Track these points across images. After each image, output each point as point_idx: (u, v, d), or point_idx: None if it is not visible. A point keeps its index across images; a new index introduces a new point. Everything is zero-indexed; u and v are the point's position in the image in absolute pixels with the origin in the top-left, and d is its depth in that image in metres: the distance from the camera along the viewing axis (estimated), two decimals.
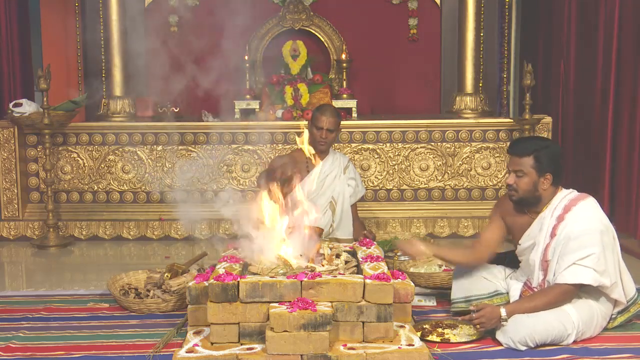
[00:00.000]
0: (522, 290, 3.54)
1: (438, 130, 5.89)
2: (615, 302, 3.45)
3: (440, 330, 3.44)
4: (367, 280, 3.16)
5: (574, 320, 3.28)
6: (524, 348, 3.21)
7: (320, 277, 3.19)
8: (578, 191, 3.53)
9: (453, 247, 3.88)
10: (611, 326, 3.49)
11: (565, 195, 3.46)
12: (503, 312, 3.25)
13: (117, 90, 6.10)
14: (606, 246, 3.32)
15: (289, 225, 3.57)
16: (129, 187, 5.91)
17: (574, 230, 3.31)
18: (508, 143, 5.83)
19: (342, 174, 4.67)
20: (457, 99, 6.19)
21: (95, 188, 5.91)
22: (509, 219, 3.63)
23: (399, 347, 3.08)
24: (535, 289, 3.44)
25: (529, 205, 3.48)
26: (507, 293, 3.64)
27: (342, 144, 5.85)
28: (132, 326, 3.64)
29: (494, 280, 3.70)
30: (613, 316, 3.49)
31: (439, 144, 5.89)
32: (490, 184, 5.91)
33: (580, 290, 3.35)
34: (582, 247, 3.27)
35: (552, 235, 3.38)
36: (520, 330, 3.21)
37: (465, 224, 5.76)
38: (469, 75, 6.15)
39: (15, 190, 5.80)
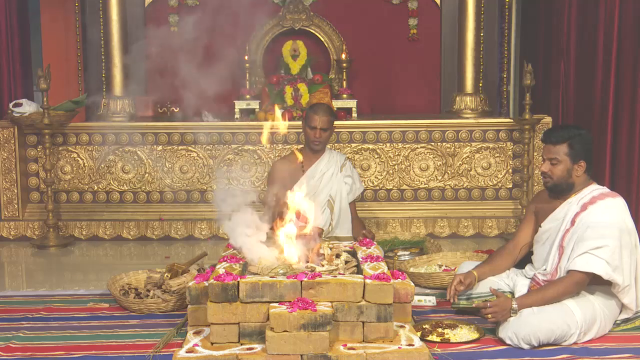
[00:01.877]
0: (530, 285, 3.54)
1: (438, 130, 5.89)
2: (622, 308, 3.46)
3: (440, 330, 3.44)
4: (367, 280, 3.16)
5: (578, 319, 3.28)
6: (526, 346, 3.21)
7: (320, 277, 3.19)
8: None
9: (493, 265, 3.77)
10: (613, 330, 3.48)
11: (597, 188, 3.52)
12: (514, 303, 3.27)
13: (117, 90, 6.11)
14: (624, 245, 3.33)
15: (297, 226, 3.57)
16: (129, 187, 5.91)
17: (593, 220, 3.35)
18: (508, 143, 5.86)
19: (339, 172, 4.66)
20: (457, 99, 6.19)
21: (95, 188, 5.91)
22: (540, 207, 3.66)
23: (399, 347, 3.08)
24: (545, 282, 3.44)
25: (561, 191, 3.52)
26: (510, 291, 3.64)
27: (342, 144, 5.85)
28: (132, 326, 3.64)
29: (497, 279, 3.71)
30: (617, 322, 3.49)
31: (439, 144, 5.89)
32: (490, 184, 5.91)
33: (587, 292, 3.36)
34: (598, 237, 3.29)
35: (573, 222, 3.41)
36: (525, 327, 3.21)
37: (465, 224, 5.76)
38: (469, 75, 6.16)
39: (15, 190, 5.81)
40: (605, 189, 3.54)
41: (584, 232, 3.34)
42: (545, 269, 3.50)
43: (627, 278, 3.35)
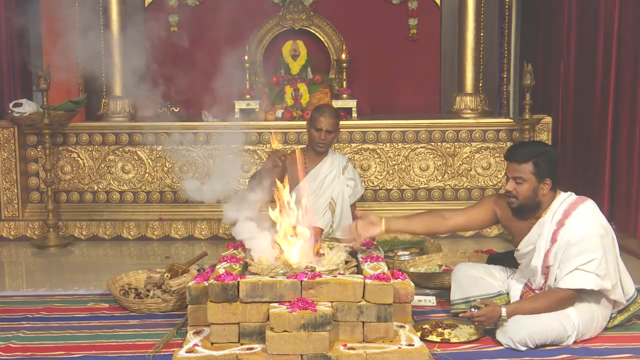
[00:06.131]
0: (523, 291, 3.54)
1: (438, 130, 5.89)
2: (614, 303, 3.45)
3: (440, 330, 3.44)
4: (367, 280, 3.17)
5: (575, 321, 3.28)
6: (524, 348, 3.22)
7: (320, 277, 3.19)
8: (577, 193, 3.51)
9: (411, 219, 3.77)
10: (611, 325, 3.49)
11: (564, 199, 3.44)
12: (503, 311, 3.26)
13: (117, 90, 6.10)
14: (607, 250, 3.31)
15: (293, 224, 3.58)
16: (129, 187, 5.91)
17: (575, 236, 3.29)
18: (508, 143, 5.86)
19: (341, 174, 4.67)
20: (457, 99, 6.19)
21: (95, 188, 5.91)
22: (508, 222, 3.61)
23: (399, 347, 3.08)
24: (537, 291, 3.44)
25: (528, 211, 3.46)
26: (508, 294, 3.64)
27: (342, 144, 5.85)
28: (132, 326, 3.64)
29: (493, 281, 3.70)
30: (613, 315, 3.49)
31: (439, 144, 5.89)
32: (490, 184, 5.91)
33: (581, 293, 3.34)
34: (583, 252, 3.26)
35: (553, 240, 3.36)
36: (521, 330, 3.21)
37: None
38: (469, 75, 6.16)
39: (15, 190, 5.81)
40: (572, 196, 3.45)
41: (567, 250, 3.29)
42: (533, 284, 3.49)
43: (614, 278, 3.34)
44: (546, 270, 3.38)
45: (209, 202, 4.21)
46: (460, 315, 3.42)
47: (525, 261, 3.52)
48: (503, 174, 5.89)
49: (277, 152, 4.29)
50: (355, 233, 3.64)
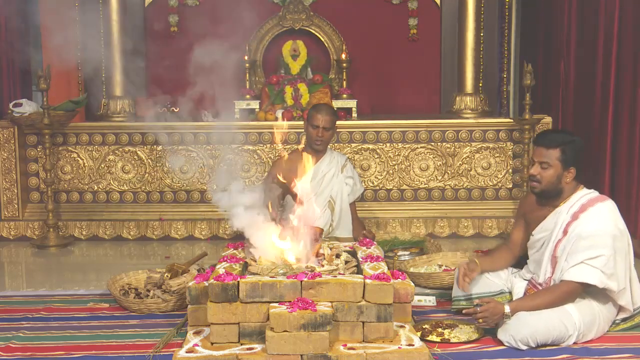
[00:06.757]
0: (527, 288, 3.54)
1: (438, 130, 5.89)
2: (620, 308, 3.45)
3: (440, 330, 3.44)
4: (367, 280, 3.17)
5: (576, 321, 3.28)
6: (525, 347, 3.21)
7: (320, 277, 3.19)
8: None
9: (493, 258, 3.86)
10: (613, 330, 3.48)
11: (585, 194, 3.46)
12: (507, 308, 3.26)
13: (117, 90, 6.10)
14: (618, 251, 3.31)
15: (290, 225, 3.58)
16: (129, 187, 5.91)
17: (586, 230, 3.31)
18: (508, 143, 5.87)
19: (340, 172, 4.67)
20: (457, 99, 6.19)
21: (95, 188, 5.91)
22: (529, 213, 3.64)
23: (399, 347, 3.08)
24: (541, 286, 3.44)
25: (549, 197, 3.48)
26: (510, 292, 3.64)
27: (342, 144, 5.85)
28: (132, 326, 3.64)
29: (496, 279, 3.71)
30: (617, 321, 3.49)
31: (439, 144, 5.89)
32: (490, 184, 5.91)
33: (585, 292, 3.34)
34: (592, 247, 3.26)
35: (564, 232, 3.38)
36: (522, 329, 3.21)
37: (465, 224, 5.76)
38: (469, 75, 6.16)
39: (15, 190, 5.81)
40: (594, 193, 3.48)
41: (577, 243, 3.30)
42: (539, 277, 3.49)
43: (622, 282, 3.34)
44: (554, 260, 3.39)
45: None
46: (463, 312, 3.42)
47: (536, 250, 3.54)
48: (503, 173, 5.89)
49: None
50: (462, 279, 3.65)
